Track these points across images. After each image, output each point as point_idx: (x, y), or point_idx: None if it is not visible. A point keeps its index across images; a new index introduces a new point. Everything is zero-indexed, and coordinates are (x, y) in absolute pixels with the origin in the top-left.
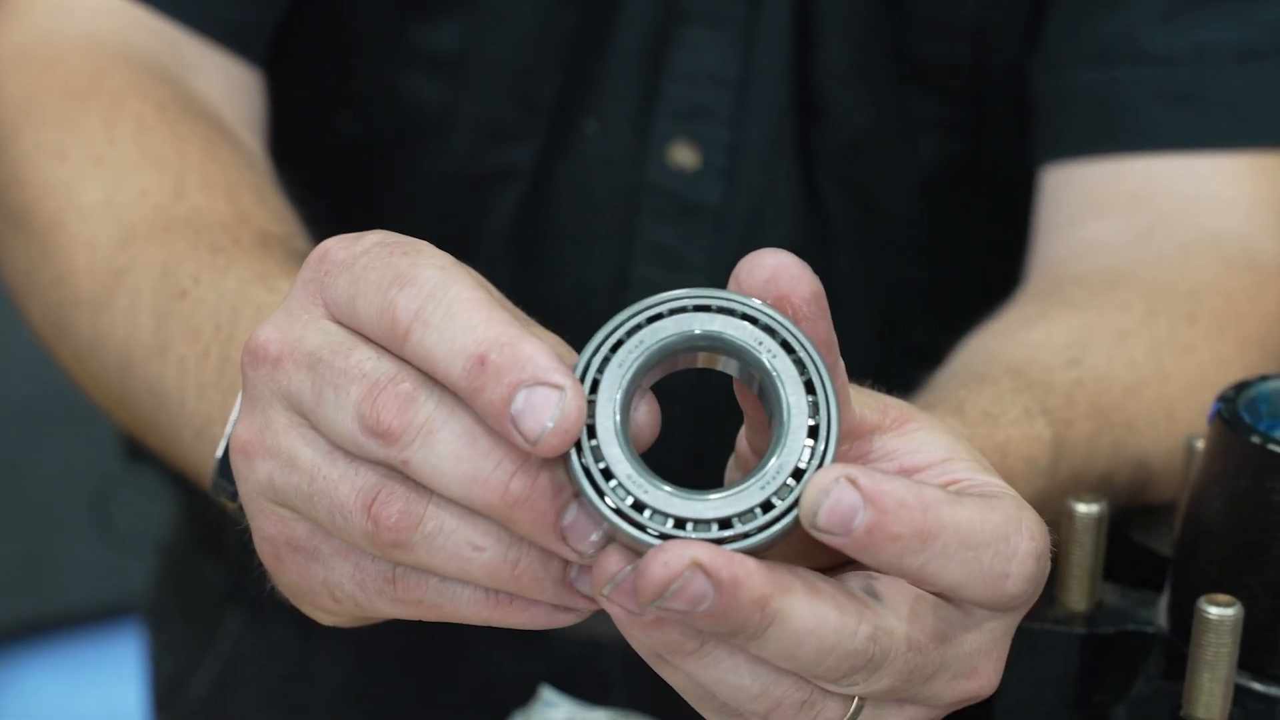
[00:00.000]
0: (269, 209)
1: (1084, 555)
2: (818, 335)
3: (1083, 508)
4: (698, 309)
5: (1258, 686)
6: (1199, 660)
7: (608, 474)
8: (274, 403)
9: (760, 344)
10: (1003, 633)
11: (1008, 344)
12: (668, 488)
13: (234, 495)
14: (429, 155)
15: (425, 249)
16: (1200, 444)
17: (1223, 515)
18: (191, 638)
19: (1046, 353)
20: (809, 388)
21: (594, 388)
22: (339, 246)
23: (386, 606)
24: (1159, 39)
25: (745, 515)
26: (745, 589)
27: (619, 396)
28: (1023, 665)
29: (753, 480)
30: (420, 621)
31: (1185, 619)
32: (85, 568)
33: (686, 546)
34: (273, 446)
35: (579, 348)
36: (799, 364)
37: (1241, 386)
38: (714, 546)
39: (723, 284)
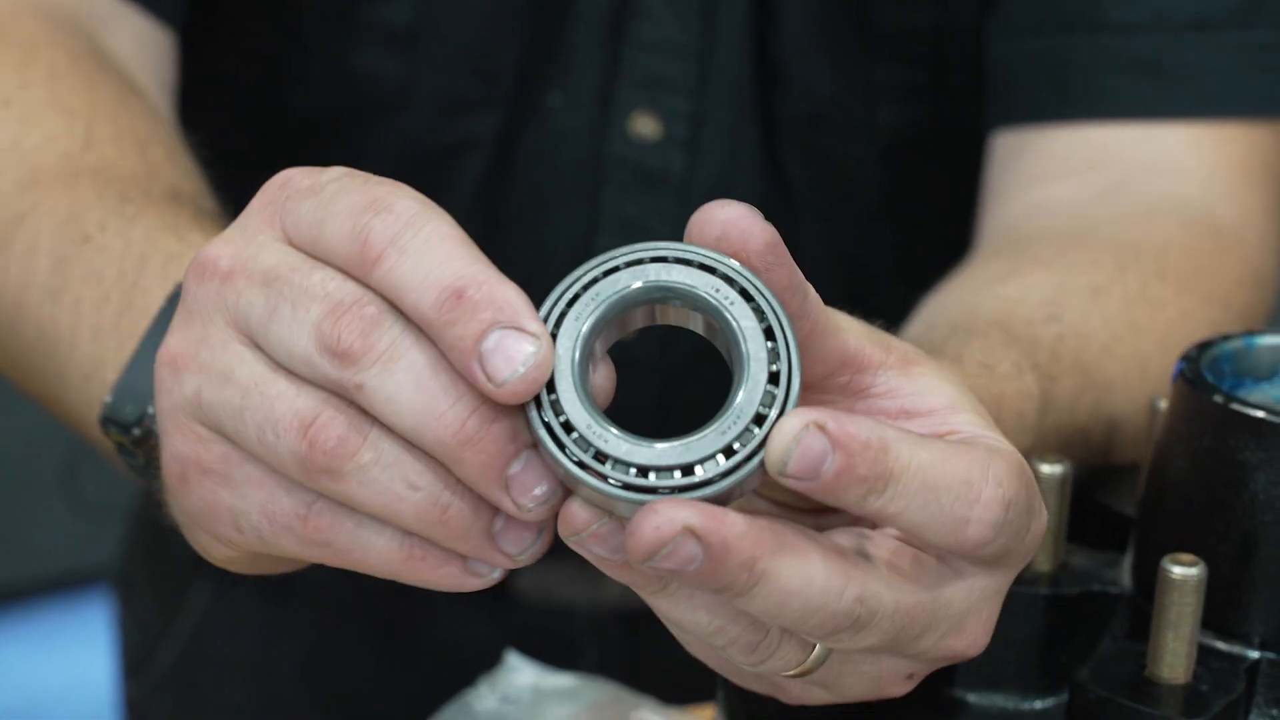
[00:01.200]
0: (179, 167)
1: (1048, 516)
2: (778, 282)
3: (1046, 468)
4: (654, 260)
5: (1221, 645)
6: (1163, 620)
7: (568, 427)
8: (215, 317)
9: (717, 291)
10: (993, 591)
11: (985, 298)
12: (627, 436)
13: (127, 429)
14: (387, 130)
15: (398, 183)
16: (1164, 404)
17: (1186, 475)
18: (159, 607)
19: (1026, 308)
20: (768, 334)
21: (549, 385)
22: (303, 174)
23: (291, 544)
24: (1116, 7)
25: (707, 462)
26: (735, 552)
27: (577, 351)
28: None
29: (713, 426)
30: (390, 591)
31: (1149, 579)
32: (54, 536)
33: (677, 508)
34: (206, 361)
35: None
36: (758, 311)
37: (1204, 346)
38: (706, 508)
39: None
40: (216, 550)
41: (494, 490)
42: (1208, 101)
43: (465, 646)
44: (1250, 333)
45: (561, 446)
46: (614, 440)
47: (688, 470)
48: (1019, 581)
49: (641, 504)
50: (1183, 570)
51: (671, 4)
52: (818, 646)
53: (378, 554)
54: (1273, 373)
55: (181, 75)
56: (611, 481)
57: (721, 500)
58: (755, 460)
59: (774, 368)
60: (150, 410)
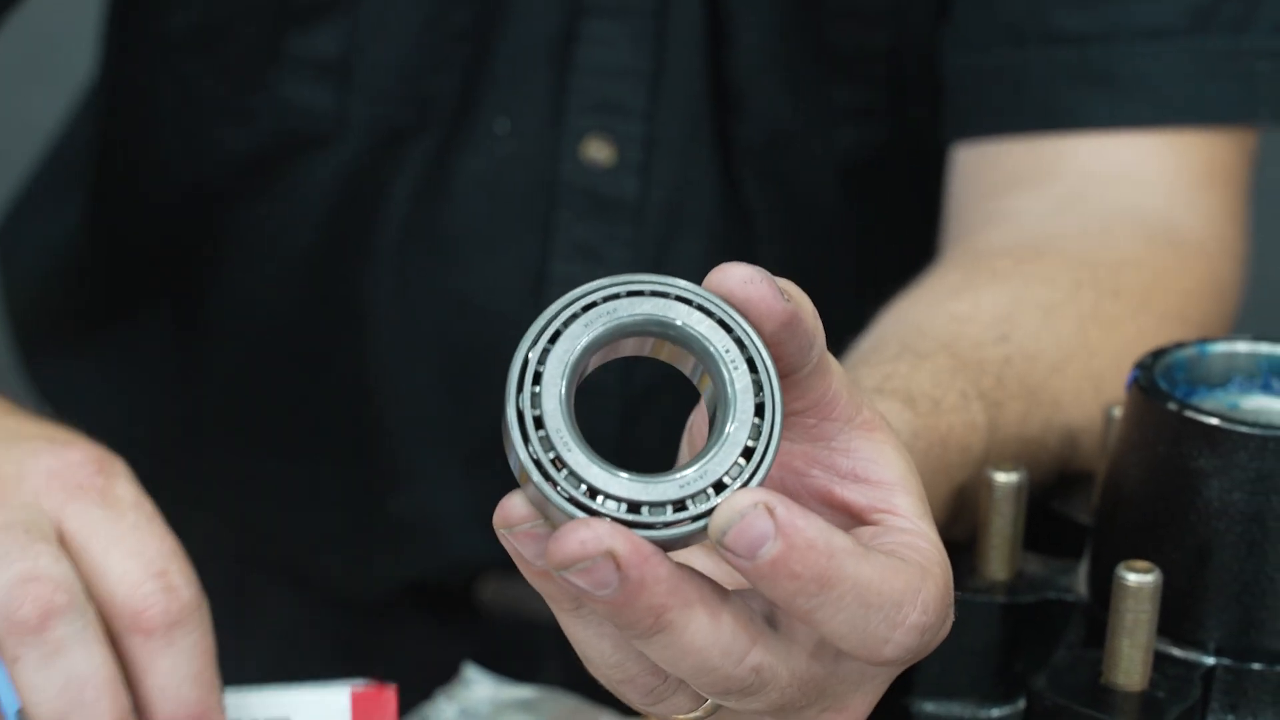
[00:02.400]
0: None
1: (1004, 524)
2: (791, 345)
3: (1002, 477)
4: (658, 294)
5: (1177, 652)
6: (1118, 627)
7: (539, 422)
8: None
9: (726, 352)
10: (884, 679)
11: (936, 315)
12: (593, 457)
13: None
14: (321, 160)
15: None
16: (1118, 412)
17: (1141, 482)
18: None
19: (976, 327)
20: (759, 410)
21: (536, 378)
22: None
23: None
24: (1070, 18)
25: (655, 507)
26: (648, 594)
27: (569, 362)
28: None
29: (675, 477)
30: (348, 610)
31: (1105, 586)
32: None
33: (611, 531)
34: None
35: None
36: (756, 384)
37: (1158, 354)
38: (634, 538)
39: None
40: None
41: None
42: (1164, 110)
43: (429, 662)
44: (1204, 340)
45: (526, 439)
46: (576, 453)
47: (634, 508)
48: (975, 590)
49: None
50: (1138, 577)
51: (620, 28)
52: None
53: None
54: (1226, 380)
55: (110, 118)
56: (559, 489)
57: (659, 547)
58: (699, 524)
59: (750, 443)
60: None
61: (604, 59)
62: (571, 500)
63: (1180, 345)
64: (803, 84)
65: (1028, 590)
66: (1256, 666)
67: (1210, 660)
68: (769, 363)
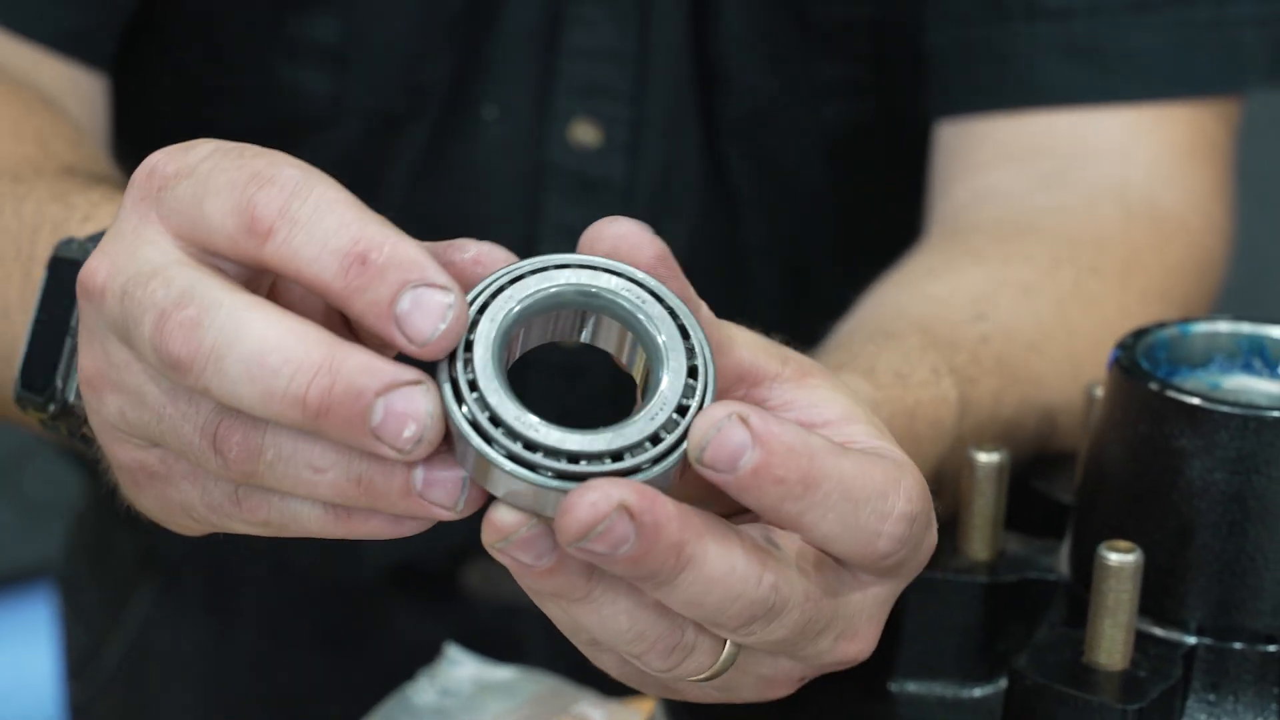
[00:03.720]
0: (81, 151)
1: (986, 504)
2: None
3: (984, 457)
4: (559, 268)
5: (1158, 631)
6: (1100, 606)
7: (495, 420)
8: (108, 336)
9: (629, 293)
10: (885, 599)
11: (913, 297)
12: (553, 426)
13: (42, 407)
14: (316, 145)
15: (275, 151)
16: (1100, 391)
17: (1122, 462)
18: (103, 606)
19: (952, 308)
20: (683, 332)
21: (468, 345)
22: (168, 158)
23: (239, 525)
24: None
25: (635, 449)
26: (665, 533)
27: (495, 344)
28: (926, 615)
29: (638, 416)
30: (338, 589)
31: (1086, 566)
32: None
33: (613, 486)
34: (117, 381)
35: None
36: (670, 311)
37: (1140, 333)
38: (641, 488)
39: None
40: (190, 529)
41: (369, 444)
42: (1148, 84)
43: (413, 644)
44: (1185, 320)
45: (489, 440)
46: (543, 430)
47: (617, 457)
48: (957, 570)
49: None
50: (1119, 557)
51: (606, 10)
52: (727, 647)
53: (310, 521)
54: (1207, 360)
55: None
56: (543, 471)
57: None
58: (680, 451)
59: (692, 362)
60: (58, 383)
61: (590, 42)
62: (560, 475)
63: (1162, 325)
64: (787, 60)
65: (1009, 570)
66: (1238, 646)
67: (1192, 640)
68: (666, 290)
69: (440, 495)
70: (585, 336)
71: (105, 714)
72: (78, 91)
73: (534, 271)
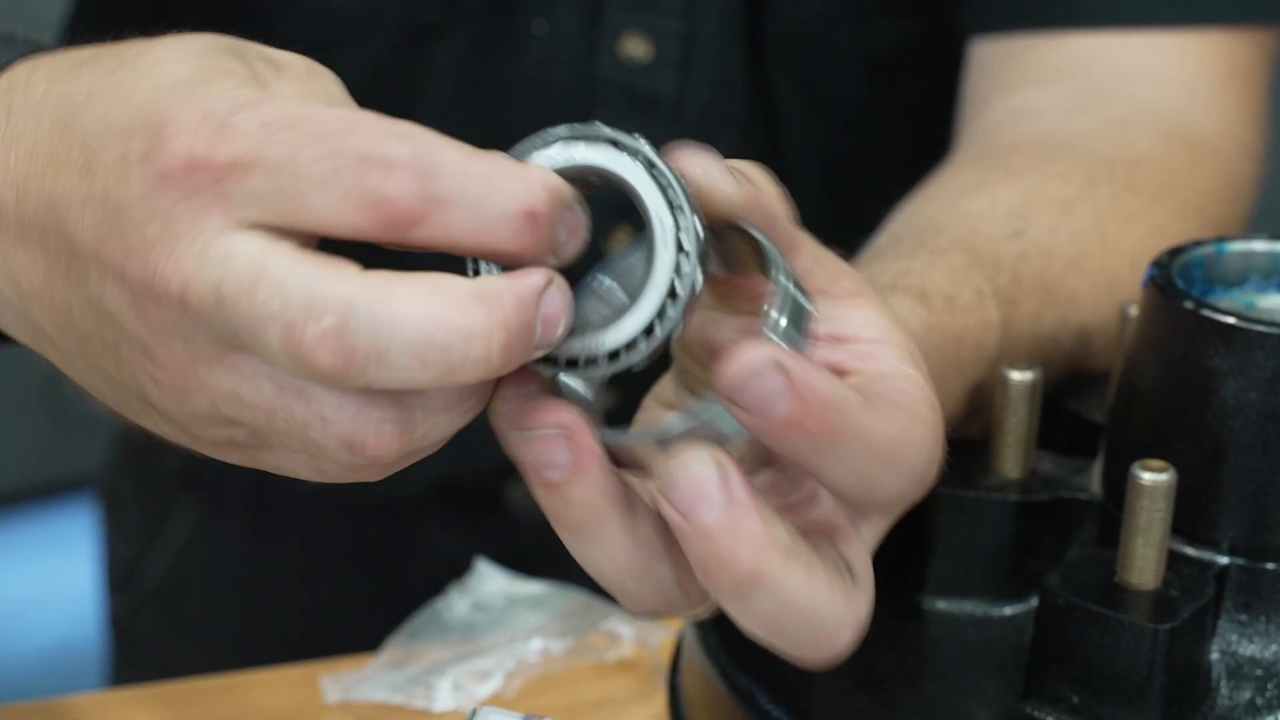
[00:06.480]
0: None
1: (1018, 423)
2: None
3: (1017, 375)
4: (569, 140)
5: (1190, 551)
6: (1132, 526)
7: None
8: (193, 337)
9: (660, 204)
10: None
11: (950, 213)
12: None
13: None
14: (347, 59)
15: (349, 111)
16: (1134, 311)
17: (1156, 381)
18: (146, 522)
19: (990, 223)
20: (675, 208)
21: None
22: (208, 143)
23: (351, 479)
24: None
25: (629, 346)
26: (817, 391)
27: None
28: (957, 533)
29: (634, 311)
30: (379, 505)
31: (1119, 485)
32: (37, 447)
33: (760, 344)
34: (208, 381)
35: None
36: (662, 189)
37: (1175, 252)
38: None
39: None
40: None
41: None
42: (1188, 8)
43: (456, 562)
44: (1221, 239)
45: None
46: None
47: (613, 357)
48: (989, 488)
49: None
50: (1152, 476)
51: None
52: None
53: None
54: (1243, 279)
55: (118, 17)
56: (544, 372)
57: None
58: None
59: (686, 245)
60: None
61: None
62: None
63: (1197, 244)
64: None
65: (1042, 489)
66: (1270, 566)
67: (1224, 559)
68: (664, 166)
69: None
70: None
71: (145, 627)
72: None
73: (545, 145)
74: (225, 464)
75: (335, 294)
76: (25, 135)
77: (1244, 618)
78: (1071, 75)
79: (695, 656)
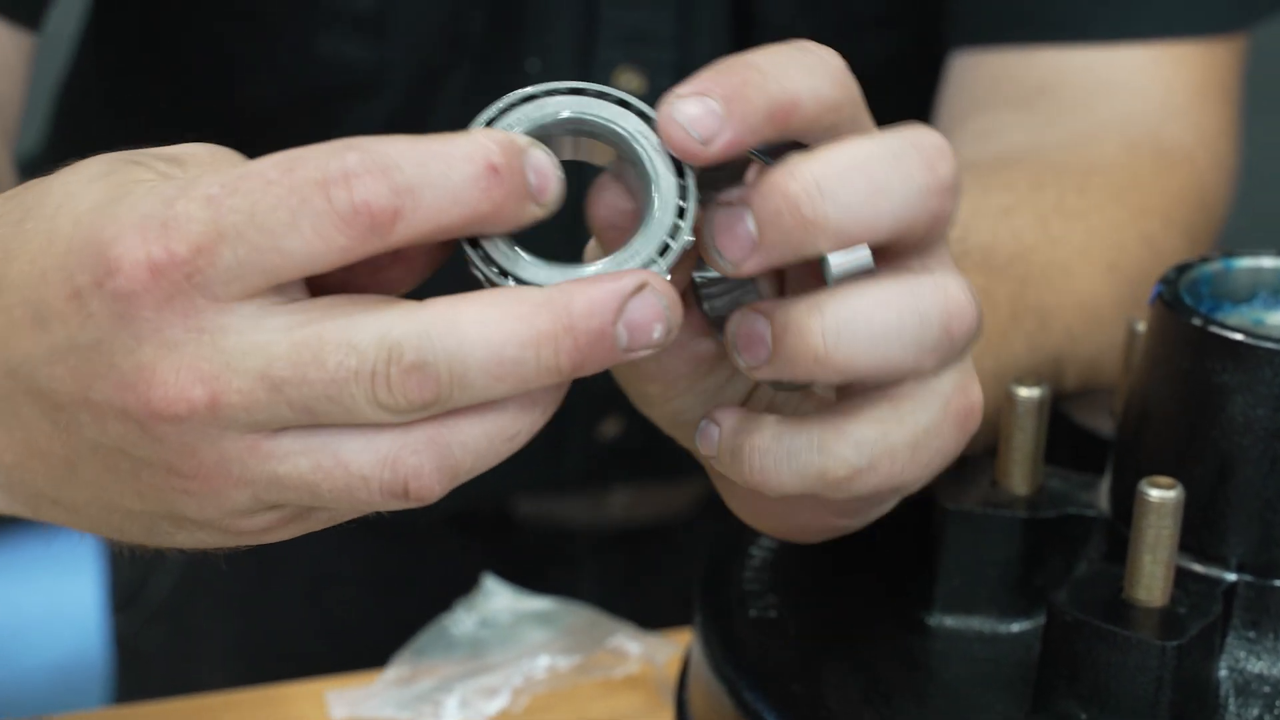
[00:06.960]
0: None
1: (1025, 440)
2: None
3: (1024, 392)
4: (572, 93)
5: (1198, 568)
6: (1140, 542)
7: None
8: (222, 439)
9: (652, 148)
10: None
11: None
12: (553, 264)
13: None
14: (356, 113)
15: (269, 156)
16: (1142, 326)
17: (1164, 398)
18: None
19: None
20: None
21: None
22: (161, 246)
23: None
24: None
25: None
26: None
27: None
28: (965, 550)
29: (642, 236)
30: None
31: (1126, 502)
32: None
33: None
34: (246, 476)
35: None
36: (678, 171)
37: (1182, 268)
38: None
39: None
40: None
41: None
42: (1163, 21)
43: (463, 577)
44: (1229, 254)
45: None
46: (544, 269)
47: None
48: (996, 504)
49: None
50: (1160, 493)
51: None
52: None
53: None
54: (1251, 295)
55: (129, 74)
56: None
57: None
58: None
59: (682, 181)
60: None
61: None
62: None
63: (1205, 259)
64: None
65: (1049, 505)
66: (1278, 583)
67: (1232, 576)
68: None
69: None
70: (588, 155)
71: (151, 646)
72: (8, 51)
73: (544, 94)
74: None
75: (406, 330)
76: None
77: (1252, 634)
78: (1044, 95)
79: (702, 673)
